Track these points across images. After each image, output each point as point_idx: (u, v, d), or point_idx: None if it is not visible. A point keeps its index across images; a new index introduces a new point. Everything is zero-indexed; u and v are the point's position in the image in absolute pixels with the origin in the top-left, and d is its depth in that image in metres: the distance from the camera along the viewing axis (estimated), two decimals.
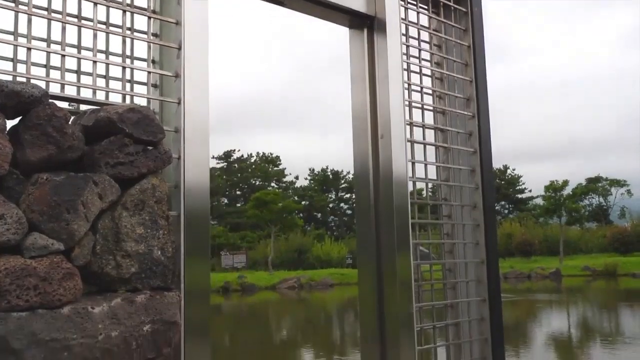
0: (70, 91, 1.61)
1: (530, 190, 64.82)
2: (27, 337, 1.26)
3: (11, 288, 1.26)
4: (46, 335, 1.29)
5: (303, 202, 59.94)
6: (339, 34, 2.63)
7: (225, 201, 62.89)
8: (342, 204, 66.18)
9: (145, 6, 1.81)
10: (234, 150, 65.82)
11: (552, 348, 11.38)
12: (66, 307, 1.34)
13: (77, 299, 1.38)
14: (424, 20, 2.62)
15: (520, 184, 65.84)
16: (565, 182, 42.54)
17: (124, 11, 1.74)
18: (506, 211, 63.80)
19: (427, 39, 2.65)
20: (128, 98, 1.77)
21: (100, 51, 1.71)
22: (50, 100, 1.40)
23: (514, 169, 66.10)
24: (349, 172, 62.46)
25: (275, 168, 66.52)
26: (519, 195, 65.29)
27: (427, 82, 2.60)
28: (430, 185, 2.66)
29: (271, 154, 66.81)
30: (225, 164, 65.43)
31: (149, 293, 1.50)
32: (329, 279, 31.57)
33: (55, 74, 1.61)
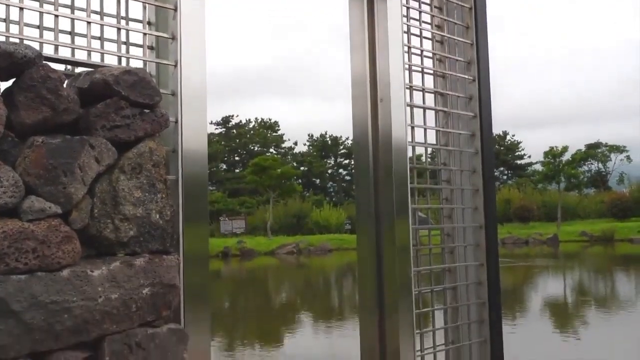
0: (64, 53, 1.58)
1: (529, 156, 64.86)
2: (27, 299, 1.27)
3: (10, 251, 1.26)
4: (46, 297, 1.30)
5: (302, 168, 59.92)
6: None
7: (224, 167, 62.90)
8: (341, 170, 66.20)
9: None
10: (233, 116, 65.51)
11: (546, 310, 11.54)
12: (65, 270, 1.35)
13: (76, 262, 1.38)
14: None
15: (520, 149, 65.80)
16: (565, 148, 42.46)
17: None
18: (505, 177, 63.89)
19: (428, 1, 2.60)
20: (124, 60, 1.74)
21: (95, 12, 1.68)
22: (44, 62, 1.38)
23: (513, 135, 65.98)
24: (347, 138, 62.29)
25: (274, 134, 66.31)
26: (518, 161, 65.31)
27: (427, 45, 2.56)
28: (429, 150, 2.64)
29: (270, 119, 66.54)
30: (224, 129, 65.20)
31: (147, 256, 1.50)
32: (328, 245, 31.78)
33: (48, 35, 1.58)
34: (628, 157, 57.42)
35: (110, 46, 1.71)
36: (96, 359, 1.41)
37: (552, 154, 42.13)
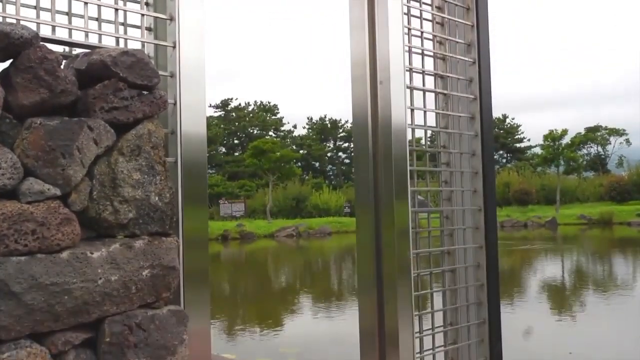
0: (62, 34, 1.57)
1: (529, 140, 64.80)
2: (27, 280, 1.27)
3: (9, 233, 1.26)
4: (46, 279, 1.30)
5: (301, 151, 59.82)
6: None
7: (223, 150, 62.79)
8: (340, 153, 66.13)
9: None
10: (232, 99, 65.26)
11: (541, 292, 11.62)
12: (65, 252, 1.35)
13: (75, 244, 1.38)
14: None
15: (519, 133, 65.70)
16: (565, 131, 42.37)
17: None
18: (504, 160, 63.88)
19: None
20: (121, 42, 1.73)
21: None
22: (41, 43, 1.37)
23: (513, 118, 65.81)
24: (347, 121, 62.19)
25: (273, 117, 66.10)
26: (518, 145, 65.25)
27: (427, 27, 2.54)
28: (429, 132, 2.64)
29: (269, 102, 66.29)
30: (223, 112, 64.97)
31: (147, 238, 1.50)
32: (327, 227, 31.86)
33: (45, 16, 1.56)
34: (627, 141, 57.44)
35: (107, 27, 1.70)
36: (97, 339, 1.42)
37: (552, 137, 42.05)
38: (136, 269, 1.46)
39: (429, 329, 2.48)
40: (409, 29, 2.44)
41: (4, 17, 1.45)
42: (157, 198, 1.53)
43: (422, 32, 2.49)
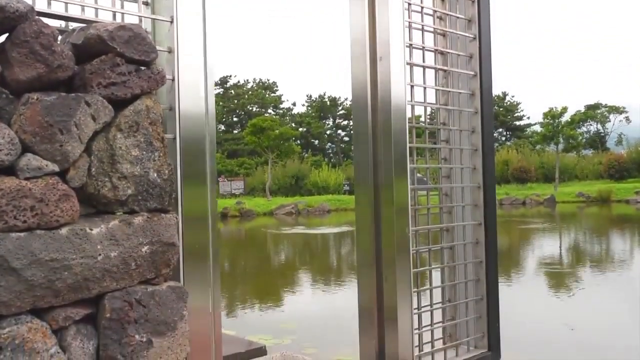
0: (58, 8, 1.55)
1: (528, 117, 64.58)
2: (26, 256, 1.28)
3: (8, 209, 1.26)
4: (45, 255, 1.30)
5: (300, 129, 59.66)
6: None
7: (222, 128, 62.60)
8: (339, 131, 65.95)
9: None
10: (230, 76, 64.87)
11: (532, 268, 11.71)
12: (64, 228, 1.35)
13: (74, 221, 1.38)
14: None
15: (519, 110, 65.47)
16: (564, 109, 42.21)
17: None
18: (504, 138, 63.76)
19: None
20: (118, 16, 1.71)
21: None
22: (36, 17, 1.35)
23: (513, 96, 65.52)
24: (346, 99, 61.93)
25: (272, 94, 65.78)
26: (517, 123, 65.06)
27: (427, 2, 2.52)
28: (428, 109, 2.62)
29: (268, 79, 65.93)
30: (222, 90, 64.61)
31: (146, 215, 1.50)
32: (326, 205, 31.91)
33: None
34: (627, 118, 57.34)
35: (104, 1, 1.68)
36: (97, 315, 1.43)
37: (552, 115, 41.90)
38: (135, 245, 1.46)
39: (428, 305, 2.50)
40: (409, 4, 2.41)
41: None
42: (155, 174, 1.52)
43: (422, 7, 2.46)
